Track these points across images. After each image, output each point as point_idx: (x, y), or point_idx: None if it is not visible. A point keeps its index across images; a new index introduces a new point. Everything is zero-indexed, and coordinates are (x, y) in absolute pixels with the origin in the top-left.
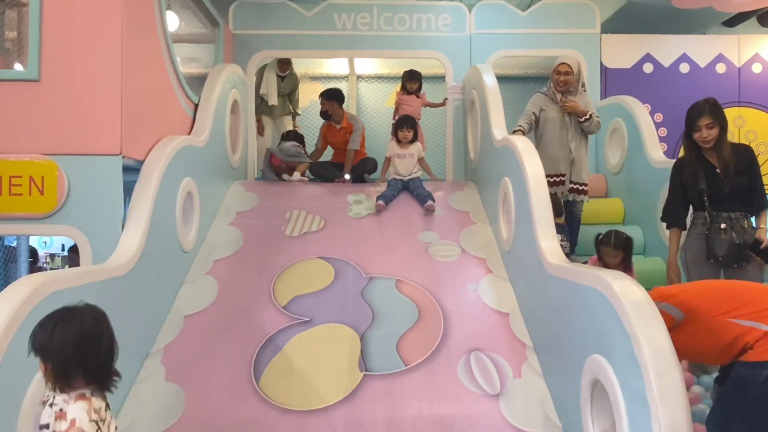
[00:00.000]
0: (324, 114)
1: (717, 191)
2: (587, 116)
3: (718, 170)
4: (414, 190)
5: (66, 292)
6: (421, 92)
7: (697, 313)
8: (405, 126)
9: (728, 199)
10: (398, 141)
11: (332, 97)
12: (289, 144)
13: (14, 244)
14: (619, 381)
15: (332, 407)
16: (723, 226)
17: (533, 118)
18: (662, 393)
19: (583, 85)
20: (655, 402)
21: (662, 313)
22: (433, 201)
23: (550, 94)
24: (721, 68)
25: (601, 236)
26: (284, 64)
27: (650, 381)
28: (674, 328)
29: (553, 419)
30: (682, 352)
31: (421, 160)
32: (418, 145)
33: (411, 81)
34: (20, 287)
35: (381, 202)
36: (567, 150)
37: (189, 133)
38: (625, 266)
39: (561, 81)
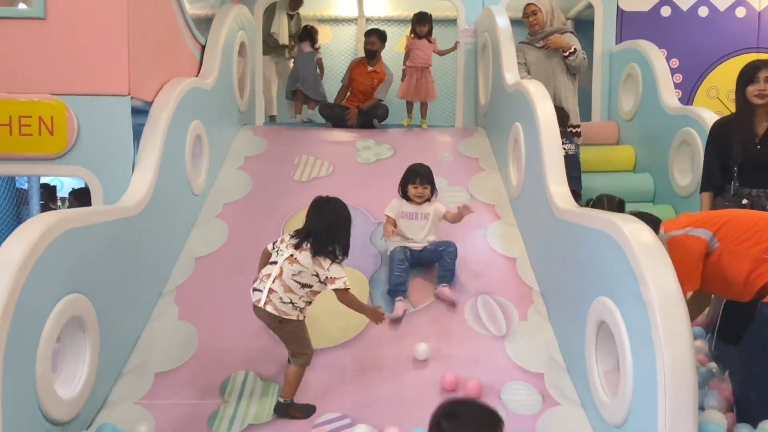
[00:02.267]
0: (370, 53)
1: (749, 163)
2: (571, 50)
3: (757, 140)
4: (431, 262)
5: (79, 230)
6: (432, 37)
7: (725, 240)
8: (419, 179)
9: (759, 172)
10: (408, 199)
11: (384, 39)
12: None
13: (26, 186)
14: (625, 322)
15: (340, 346)
16: (745, 202)
17: (525, 69)
18: (668, 333)
19: (565, 25)
20: (660, 342)
21: (693, 238)
22: (450, 287)
23: (528, 40)
24: (740, 12)
25: (592, 201)
26: (295, 2)
27: (656, 322)
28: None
29: (557, 360)
30: (707, 283)
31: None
32: (437, 205)
33: (420, 24)
34: (34, 226)
35: (399, 299)
36: (552, 93)
37: (197, 76)
38: None
39: (530, 22)
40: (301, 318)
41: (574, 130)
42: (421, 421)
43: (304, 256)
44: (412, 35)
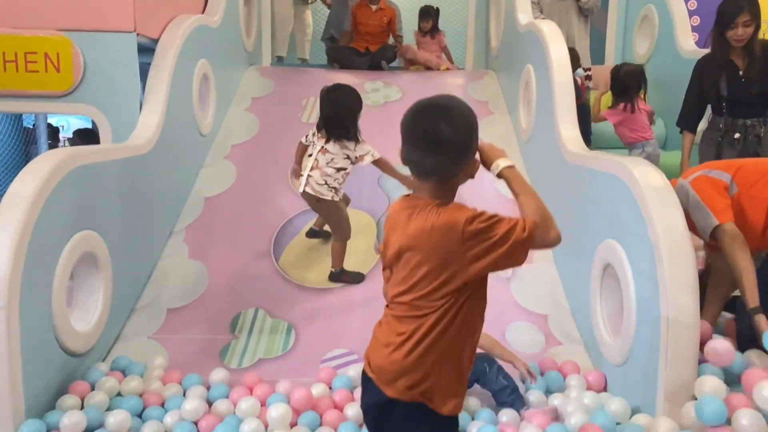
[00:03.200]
0: None
1: (737, 96)
2: None
3: (741, 72)
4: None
5: (89, 167)
6: (440, 31)
7: (742, 183)
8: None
9: (748, 104)
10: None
11: None
12: None
13: (32, 125)
14: (631, 264)
15: (349, 286)
16: (737, 136)
17: (538, 9)
18: (673, 274)
19: None
20: (664, 283)
21: (714, 179)
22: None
23: None
24: None
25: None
26: None
27: (662, 263)
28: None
29: (561, 302)
30: None
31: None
32: None
33: (423, 20)
34: (45, 161)
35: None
36: (564, 34)
37: (202, 13)
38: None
39: None
40: (336, 199)
41: (585, 74)
42: None
43: (331, 144)
44: (419, 33)
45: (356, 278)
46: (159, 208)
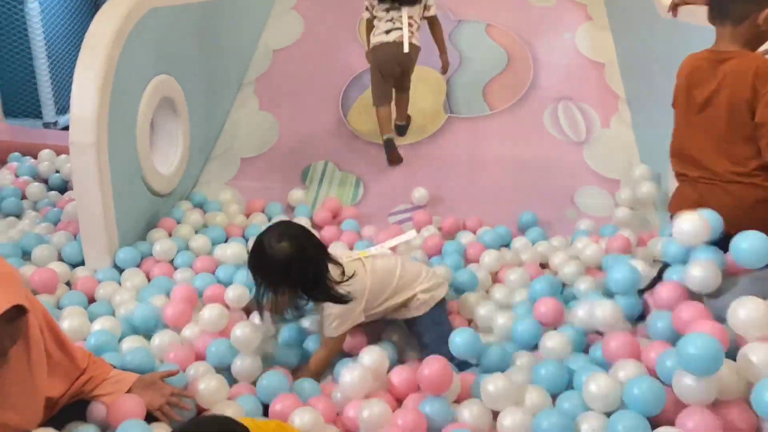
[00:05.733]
0: None
1: None
2: None
3: None
4: None
5: (162, 10)
6: None
7: None
8: None
9: None
10: None
11: None
12: None
13: None
14: None
15: (417, 143)
16: None
17: None
18: None
19: None
20: None
21: None
22: None
23: None
24: None
25: None
26: None
27: None
28: None
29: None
30: None
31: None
32: None
33: None
34: (118, 5)
35: None
36: None
37: None
38: None
39: None
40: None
41: None
42: (494, 216)
43: (406, 9)
44: None
45: (400, 132)
46: (230, 59)
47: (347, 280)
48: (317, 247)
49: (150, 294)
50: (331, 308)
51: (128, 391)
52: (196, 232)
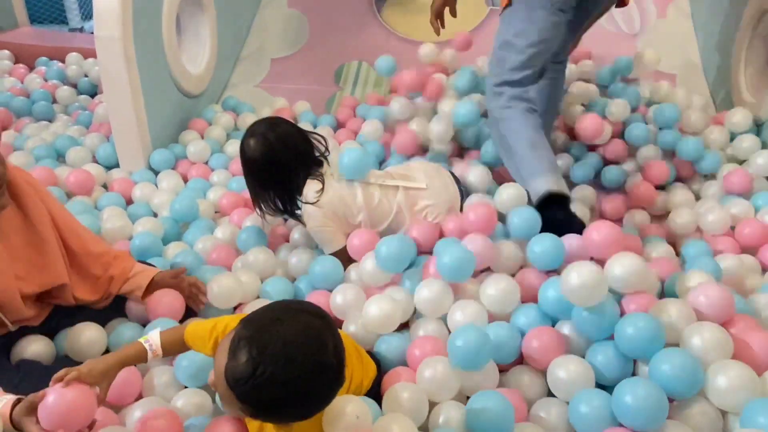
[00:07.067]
0: None
1: None
2: None
3: None
4: None
5: None
6: None
7: None
8: None
9: None
10: None
11: None
12: None
13: None
14: None
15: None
16: None
17: None
18: None
19: None
20: None
21: None
22: None
23: None
24: None
25: None
26: None
27: None
28: None
29: (694, 60)
30: None
31: None
32: None
33: None
34: None
35: None
36: None
37: None
38: None
39: None
40: None
41: None
42: None
43: None
44: None
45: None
46: None
47: (316, 202)
48: (296, 154)
49: (188, 196)
50: (309, 224)
51: (151, 283)
52: (228, 135)
